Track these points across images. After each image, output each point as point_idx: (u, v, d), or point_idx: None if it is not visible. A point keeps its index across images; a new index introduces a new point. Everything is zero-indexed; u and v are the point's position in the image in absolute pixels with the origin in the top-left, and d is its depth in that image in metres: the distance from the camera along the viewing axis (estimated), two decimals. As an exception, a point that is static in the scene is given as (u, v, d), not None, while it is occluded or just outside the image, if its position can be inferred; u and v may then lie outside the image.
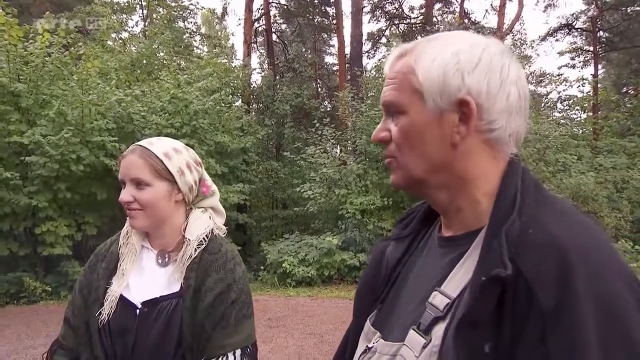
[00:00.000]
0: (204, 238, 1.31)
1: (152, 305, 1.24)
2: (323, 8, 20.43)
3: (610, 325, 0.54)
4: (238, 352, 1.22)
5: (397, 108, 0.74)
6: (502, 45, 0.75)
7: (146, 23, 17.83)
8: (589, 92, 17.56)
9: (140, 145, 1.28)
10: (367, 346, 0.79)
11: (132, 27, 18.56)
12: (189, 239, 1.29)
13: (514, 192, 0.67)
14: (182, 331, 1.21)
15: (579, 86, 17.08)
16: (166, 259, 1.31)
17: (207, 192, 1.39)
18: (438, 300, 0.69)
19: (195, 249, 1.28)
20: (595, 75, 19.38)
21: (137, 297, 1.26)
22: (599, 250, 0.60)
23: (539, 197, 0.68)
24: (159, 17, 17.27)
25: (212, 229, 1.35)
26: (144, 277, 1.30)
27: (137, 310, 1.25)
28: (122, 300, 1.26)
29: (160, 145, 1.29)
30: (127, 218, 1.30)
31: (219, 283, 1.25)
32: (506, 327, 0.58)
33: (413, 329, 0.70)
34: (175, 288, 1.27)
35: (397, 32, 20.42)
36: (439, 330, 0.66)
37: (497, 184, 0.71)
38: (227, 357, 1.21)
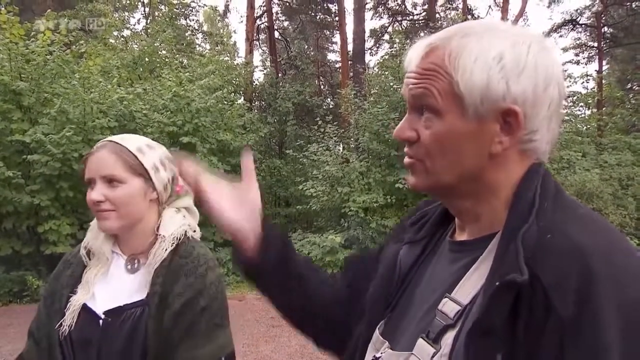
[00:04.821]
0: (177, 237, 1.22)
1: (116, 314, 1.16)
2: (325, 5, 20.38)
3: (635, 336, 0.51)
4: None
5: (430, 107, 0.67)
6: (542, 37, 0.69)
7: (148, 21, 17.82)
8: (593, 88, 17.38)
9: (111, 141, 1.21)
10: (374, 356, 0.75)
11: (134, 25, 18.57)
12: (163, 236, 1.21)
13: (533, 196, 0.63)
14: (146, 341, 1.11)
15: (583, 82, 16.86)
16: (136, 265, 1.23)
17: (181, 192, 1.31)
18: (448, 307, 0.65)
19: (167, 248, 1.20)
20: (599, 72, 19.22)
21: (101, 306, 1.17)
22: (622, 257, 0.57)
23: (558, 201, 0.64)
24: (160, 14, 17.24)
25: (185, 231, 1.26)
26: (111, 285, 1.21)
27: (101, 321, 1.16)
28: (85, 309, 1.17)
29: (132, 141, 1.22)
30: (96, 220, 1.20)
31: (188, 289, 1.15)
32: (520, 336, 0.54)
33: (422, 338, 0.66)
34: (142, 295, 1.18)
35: (400, 28, 20.32)
36: (448, 338, 0.63)
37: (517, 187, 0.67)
38: None
